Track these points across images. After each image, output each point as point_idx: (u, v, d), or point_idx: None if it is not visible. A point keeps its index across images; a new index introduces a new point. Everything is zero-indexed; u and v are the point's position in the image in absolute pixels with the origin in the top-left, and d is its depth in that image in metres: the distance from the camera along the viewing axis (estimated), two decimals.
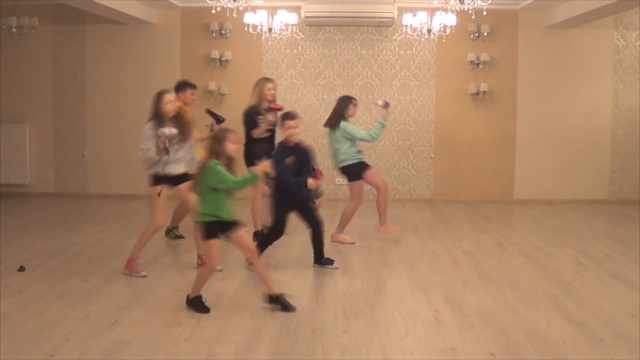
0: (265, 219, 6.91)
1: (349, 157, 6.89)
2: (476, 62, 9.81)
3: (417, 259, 6.32)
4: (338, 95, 9.88)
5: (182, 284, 5.34)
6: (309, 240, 6.01)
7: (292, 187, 5.77)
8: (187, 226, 6.67)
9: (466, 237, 7.38)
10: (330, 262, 6.00)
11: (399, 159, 10.09)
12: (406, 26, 9.43)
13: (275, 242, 6.21)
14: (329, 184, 10.06)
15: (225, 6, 7.14)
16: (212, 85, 9.84)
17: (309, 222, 5.93)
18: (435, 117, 10.01)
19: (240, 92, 9.80)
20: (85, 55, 10.03)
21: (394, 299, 5.04)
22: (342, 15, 9.44)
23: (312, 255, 6.02)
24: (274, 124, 6.75)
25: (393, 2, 9.42)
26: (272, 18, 8.91)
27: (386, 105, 6.99)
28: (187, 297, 4.74)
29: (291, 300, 4.75)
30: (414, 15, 8.90)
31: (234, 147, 4.64)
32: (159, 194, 5.55)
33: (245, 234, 4.81)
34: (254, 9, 8.28)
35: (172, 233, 7.05)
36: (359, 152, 6.98)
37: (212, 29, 9.81)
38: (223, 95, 9.88)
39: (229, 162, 4.65)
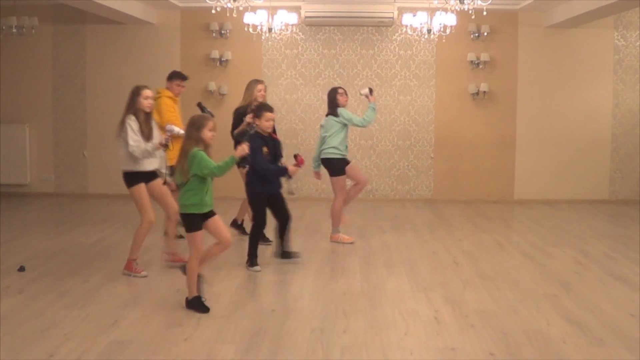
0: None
1: (337, 151, 6.95)
2: (476, 62, 9.81)
3: (417, 259, 6.32)
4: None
5: (182, 284, 5.32)
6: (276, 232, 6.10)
7: (273, 174, 5.87)
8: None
9: (466, 237, 7.38)
10: (292, 255, 6.06)
11: (399, 159, 10.09)
12: (406, 26, 9.44)
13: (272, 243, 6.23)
14: (329, 183, 10.03)
15: (225, 6, 7.13)
16: (212, 85, 9.84)
17: (279, 214, 5.99)
18: (435, 117, 10.01)
19: (241, 92, 9.71)
20: (85, 55, 10.03)
21: (394, 299, 5.04)
22: (342, 15, 9.44)
23: (276, 248, 6.08)
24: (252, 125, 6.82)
25: (393, 2, 9.42)
26: (272, 18, 8.91)
27: (370, 92, 7.13)
28: (186, 299, 4.74)
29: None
30: (414, 15, 8.90)
31: (211, 134, 4.66)
32: (165, 183, 5.59)
33: (222, 223, 4.83)
34: (254, 9, 8.28)
35: None
36: (346, 148, 7.06)
37: (212, 29, 9.81)
38: (223, 95, 9.88)
39: (206, 150, 4.68)
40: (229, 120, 7.04)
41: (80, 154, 10.12)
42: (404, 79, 9.99)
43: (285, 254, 6.08)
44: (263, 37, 9.45)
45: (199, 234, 4.69)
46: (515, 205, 9.86)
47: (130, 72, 9.86)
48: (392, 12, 9.40)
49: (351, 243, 6.97)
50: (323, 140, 7.03)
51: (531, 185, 10.06)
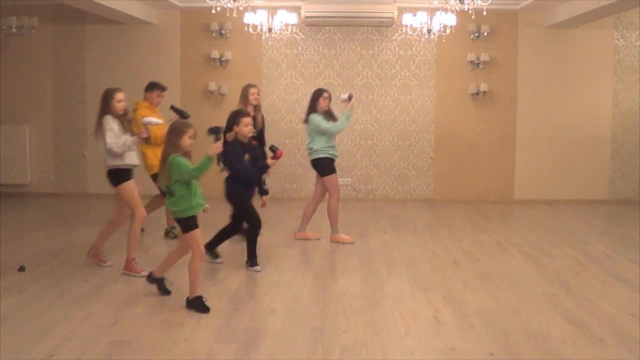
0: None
1: (322, 151, 6.93)
2: (476, 62, 9.81)
3: (417, 259, 6.32)
4: (338, 95, 9.96)
5: (182, 284, 5.33)
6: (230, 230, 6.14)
7: (256, 176, 5.92)
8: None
9: (466, 237, 7.38)
10: (216, 256, 6.06)
11: (399, 159, 10.09)
12: (406, 26, 9.44)
13: (273, 242, 6.22)
14: None
15: (225, 6, 7.14)
16: (212, 85, 9.84)
17: (237, 217, 6.04)
18: (435, 117, 10.02)
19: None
20: (85, 55, 10.03)
21: (394, 299, 5.04)
22: (342, 15, 9.44)
23: (210, 241, 6.06)
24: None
25: (393, 2, 9.42)
26: (272, 18, 8.91)
27: (349, 98, 7.08)
28: (187, 299, 4.74)
29: (170, 287, 4.99)
30: (414, 15, 8.90)
31: (191, 142, 4.68)
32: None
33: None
34: (254, 9, 8.28)
35: (172, 233, 7.06)
36: (333, 147, 7.01)
37: (212, 29, 9.81)
38: (223, 95, 9.88)
39: (186, 156, 4.70)
40: None
41: (81, 153, 10.12)
42: (404, 79, 9.99)
43: (213, 253, 6.06)
44: (263, 37, 9.45)
45: (198, 232, 4.73)
46: (515, 205, 9.86)
47: (130, 72, 9.86)
48: (392, 12, 9.40)
49: (351, 243, 6.97)
50: (309, 145, 7.01)
51: (531, 185, 10.06)
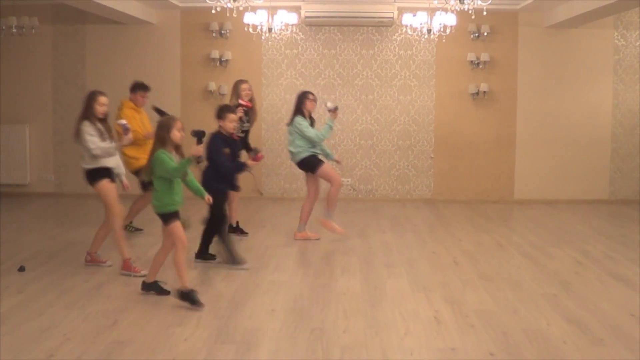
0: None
1: (302, 150, 6.93)
2: (476, 62, 9.80)
3: (417, 259, 6.32)
4: (338, 95, 9.99)
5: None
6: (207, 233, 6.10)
7: (234, 172, 5.95)
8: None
9: (466, 237, 7.38)
10: (213, 257, 6.05)
11: (399, 159, 10.09)
12: (406, 26, 9.44)
13: (273, 242, 6.19)
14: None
15: (225, 6, 7.14)
16: (212, 85, 9.84)
17: (216, 215, 6.00)
18: (435, 117, 10.01)
19: None
20: (85, 55, 10.03)
21: (394, 299, 5.04)
22: (342, 15, 9.44)
23: (198, 248, 6.08)
24: (242, 120, 6.99)
25: (393, 2, 9.42)
26: (272, 18, 8.91)
27: (335, 109, 7.03)
28: (179, 291, 4.77)
29: (165, 286, 4.99)
30: (414, 15, 8.90)
31: (180, 134, 4.81)
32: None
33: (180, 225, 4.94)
34: (254, 9, 8.28)
35: (130, 227, 7.27)
36: (315, 147, 6.99)
37: (212, 29, 9.81)
38: (223, 95, 9.87)
39: (177, 150, 4.85)
40: None
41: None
42: (404, 79, 9.99)
43: (208, 255, 6.06)
44: (263, 37, 9.45)
45: (177, 225, 4.83)
46: (515, 205, 9.86)
47: (130, 72, 9.83)
48: (392, 12, 9.40)
49: (317, 239, 7.01)
50: (290, 147, 7.01)
51: (531, 185, 10.06)
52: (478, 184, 10.07)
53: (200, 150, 4.90)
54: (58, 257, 6.19)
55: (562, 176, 10.05)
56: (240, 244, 6.85)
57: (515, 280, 5.58)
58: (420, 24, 8.83)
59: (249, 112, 7.17)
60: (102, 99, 5.67)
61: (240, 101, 7.04)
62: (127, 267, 5.60)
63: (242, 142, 6.93)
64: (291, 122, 6.98)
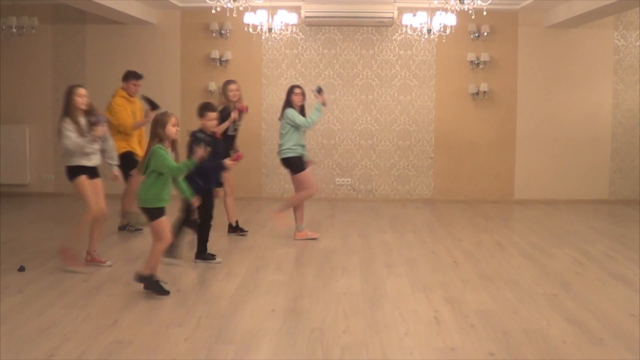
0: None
1: (292, 150, 6.95)
2: (476, 62, 9.81)
3: (417, 259, 6.32)
4: (338, 95, 10.00)
5: (182, 284, 5.34)
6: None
7: (211, 170, 5.93)
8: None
9: (466, 237, 7.38)
10: (213, 257, 6.07)
11: (399, 159, 10.09)
12: (406, 26, 9.44)
13: (273, 242, 6.18)
14: (329, 183, 10.07)
15: (225, 6, 7.14)
16: (212, 85, 9.84)
17: (204, 213, 6.04)
18: (435, 117, 10.02)
19: (241, 93, 9.80)
20: (85, 55, 10.03)
21: (394, 299, 5.04)
22: (342, 15, 9.44)
23: (210, 249, 6.12)
24: (235, 122, 7.06)
25: (393, 2, 9.42)
26: (272, 18, 8.91)
27: (319, 90, 7.06)
28: (138, 273, 4.92)
29: (166, 286, 5.01)
30: (414, 15, 8.90)
31: (175, 129, 4.91)
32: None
33: (168, 221, 5.06)
34: (254, 9, 8.28)
35: (130, 227, 7.43)
36: (303, 147, 7.04)
37: (212, 29, 9.81)
38: None
39: (173, 145, 4.93)
40: None
41: None
42: (404, 79, 9.99)
43: (207, 255, 6.07)
44: (263, 37, 9.45)
45: (163, 220, 4.91)
46: (515, 205, 9.86)
47: None
48: (392, 12, 9.41)
49: (314, 239, 7.03)
50: (282, 142, 7.01)
51: (531, 185, 10.06)
52: (478, 184, 10.07)
53: (202, 153, 5.01)
54: (58, 257, 6.17)
55: (562, 176, 10.05)
56: (240, 244, 6.86)
57: (515, 280, 5.58)
58: (420, 24, 8.83)
59: (241, 114, 7.20)
60: (81, 91, 5.68)
61: (238, 105, 7.08)
62: (63, 253, 5.66)
63: (231, 143, 7.04)
64: (282, 116, 7.02)
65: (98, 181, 5.87)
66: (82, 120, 5.65)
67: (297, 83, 7.40)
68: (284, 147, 6.98)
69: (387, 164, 10.10)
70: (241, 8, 7.44)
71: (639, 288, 5.33)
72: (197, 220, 6.04)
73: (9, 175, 9.97)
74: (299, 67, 9.97)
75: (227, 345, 4.02)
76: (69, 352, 3.86)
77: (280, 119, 7.11)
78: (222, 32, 9.82)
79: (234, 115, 6.94)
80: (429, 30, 8.75)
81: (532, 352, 3.95)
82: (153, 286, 4.91)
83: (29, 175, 10.10)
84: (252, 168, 9.95)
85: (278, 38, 9.82)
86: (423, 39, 9.65)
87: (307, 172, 7.04)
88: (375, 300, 4.98)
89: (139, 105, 7.28)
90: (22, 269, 5.66)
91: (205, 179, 5.91)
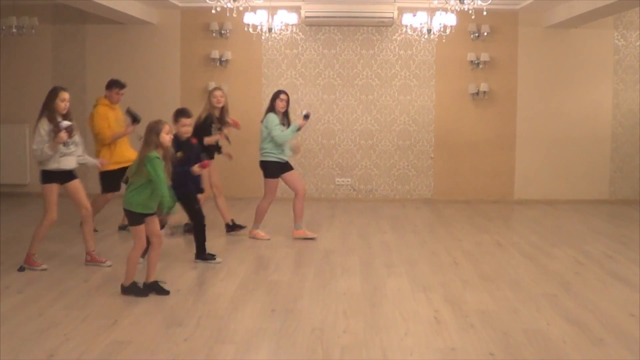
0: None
1: (270, 154, 6.96)
2: (476, 62, 9.81)
3: (417, 259, 6.32)
4: (338, 95, 10.00)
5: (182, 284, 5.34)
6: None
7: (179, 176, 5.83)
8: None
9: (466, 237, 7.38)
10: (212, 257, 6.07)
11: (399, 159, 10.09)
12: (406, 26, 9.43)
13: (273, 242, 6.17)
14: (329, 183, 10.07)
15: (225, 6, 7.14)
16: (212, 85, 9.80)
17: (193, 216, 6.08)
18: (435, 117, 10.01)
19: (240, 92, 9.81)
20: (85, 55, 10.03)
21: (394, 299, 5.04)
22: (342, 15, 9.44)
23: (193, 250, 6.12)
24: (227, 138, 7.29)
25: (393, 2, 9.42)
26: (272, 18, 8.91)
27: (306, 117, 7.03)
28: (122, 286, 4.98)
29: (165, 286, 5.09)
30: (414, 15, 8.90)
31: (168, 137, 4.97)
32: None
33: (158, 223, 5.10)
34: (254, 9, 8.28)
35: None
36: (282, 152, 7.02)
37: (212, 29, 9.81)
38: None
39: (164, 154, 4.97)
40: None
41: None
42: (404, 79, 9.99)
43: (204, 254, 6.09)
44: (263, 37, 9.44)
45: (142, 228, 4.96)
46: (515, 205, 9.86)
47: (130, 72, 9.84)
48: (392, 12, 9.40)
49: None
50: (262, 145, 7.02)
51: (531, 185, 10.06)
52: (478, 184, 10.07)
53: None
54: (58, 257, 6.18)
55: (562, 176, 10.05)
56: (239, 244, 6.87)
57: (515, 280, 5.58)
58: (420, 24, 8.82)
59: (219, 120, 7.19)
60: (64, 95, 5.65)
61: (230, 120, 7.22)
62: (28, 261, 5.69)
63: (215, 147, 7.20)
64: (263, 119, 7.04)
65: (76, 182, 5.84)
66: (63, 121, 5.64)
67: (283, 89, 7.35)
68: (263, 150, 7.00)
69: (387, 164, 10.10)
70: (241, 8, 7.44)
71: (639, 288, 5.33)
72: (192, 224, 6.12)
73: (9, 175, 9.96)
74: (299, 67, 9.97)
75: (227, 345, 4.02)
76: (69, 352, 3.86)
77: (262, 121, 7.09)
78: (222, 32, 9.82)
79: (225, 132, 7.13)
80: (429, 30, 8.75)
81: (532, 352, 3.95)
82: (135, 291, 4.96)
83: (29, 175, 10.09)
84: (252, 168, 9.92)
85: (278, 38, 9.82)
86: (423, 39, 9.65)
87: (276, 182, 7.03)
88: (375, 300, 4.98)
89: (120, 113, 7.26)
90: (22, 269, 5.66)
91: (181, 184, 5.84)
